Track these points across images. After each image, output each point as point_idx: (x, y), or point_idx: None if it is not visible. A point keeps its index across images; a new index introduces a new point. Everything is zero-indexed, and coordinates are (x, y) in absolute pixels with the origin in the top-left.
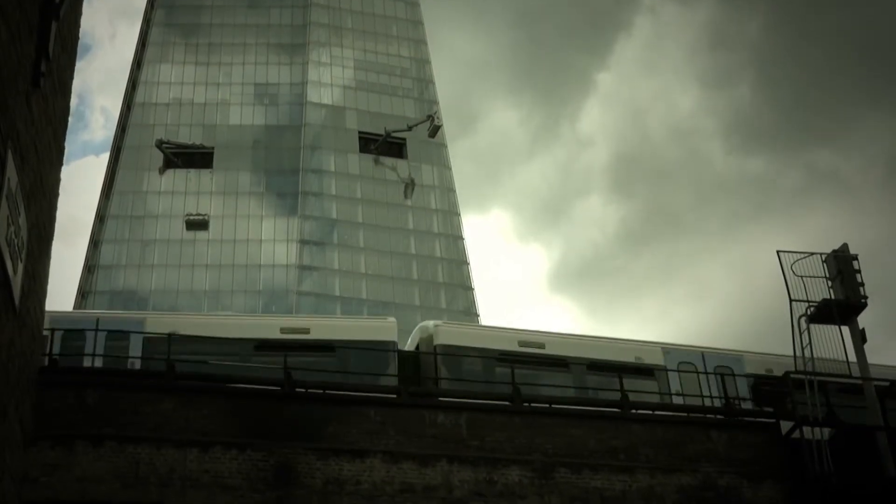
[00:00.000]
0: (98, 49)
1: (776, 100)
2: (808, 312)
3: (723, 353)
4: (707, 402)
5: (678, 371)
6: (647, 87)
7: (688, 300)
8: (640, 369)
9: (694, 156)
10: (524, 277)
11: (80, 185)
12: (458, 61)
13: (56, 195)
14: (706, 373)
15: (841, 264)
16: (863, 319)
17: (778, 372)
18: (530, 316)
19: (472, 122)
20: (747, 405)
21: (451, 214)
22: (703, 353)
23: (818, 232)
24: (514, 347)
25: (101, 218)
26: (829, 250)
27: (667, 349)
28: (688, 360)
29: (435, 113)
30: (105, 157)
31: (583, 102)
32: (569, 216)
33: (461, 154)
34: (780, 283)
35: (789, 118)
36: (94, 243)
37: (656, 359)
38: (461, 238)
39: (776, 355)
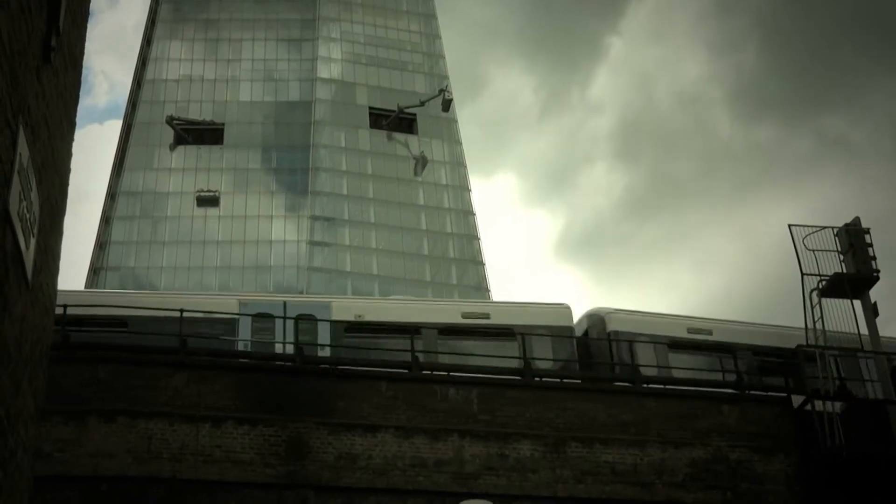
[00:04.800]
0: (99, 13)
1: (783, 65)
2: (820, 286)
3: (307, 302)
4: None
5: (247, 315)
6: (655, 53)
7: (693, 268)
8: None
9: (700, 123)
10: (529, 244)
11: (85, 156)
12: (468, 26)
13: (68, 170)
14: (284, 318)
15: (853, 237)
16: (873, 292)
17: (371, 317)
18: (537, 284)
19: (482, 88)
20: (323, 351)
21: (462, 189)
22: (284, 303)
23: (826, 201)
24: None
25: (112, 195)
26: (837, 219)
27: (244, 301)
28: (266, 311)
29: (446, 87)
30: (108, 125)
31: (593, 68)
32: (574, 183)
33: (468, 119)
34: (787, 251)
35: (797, 84)
36: (106, 220)
37: (231, 309)
38: (472, 213)
39: (369, 300)
